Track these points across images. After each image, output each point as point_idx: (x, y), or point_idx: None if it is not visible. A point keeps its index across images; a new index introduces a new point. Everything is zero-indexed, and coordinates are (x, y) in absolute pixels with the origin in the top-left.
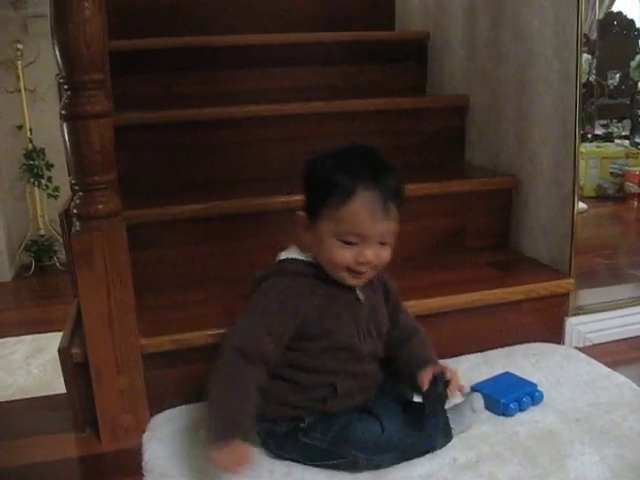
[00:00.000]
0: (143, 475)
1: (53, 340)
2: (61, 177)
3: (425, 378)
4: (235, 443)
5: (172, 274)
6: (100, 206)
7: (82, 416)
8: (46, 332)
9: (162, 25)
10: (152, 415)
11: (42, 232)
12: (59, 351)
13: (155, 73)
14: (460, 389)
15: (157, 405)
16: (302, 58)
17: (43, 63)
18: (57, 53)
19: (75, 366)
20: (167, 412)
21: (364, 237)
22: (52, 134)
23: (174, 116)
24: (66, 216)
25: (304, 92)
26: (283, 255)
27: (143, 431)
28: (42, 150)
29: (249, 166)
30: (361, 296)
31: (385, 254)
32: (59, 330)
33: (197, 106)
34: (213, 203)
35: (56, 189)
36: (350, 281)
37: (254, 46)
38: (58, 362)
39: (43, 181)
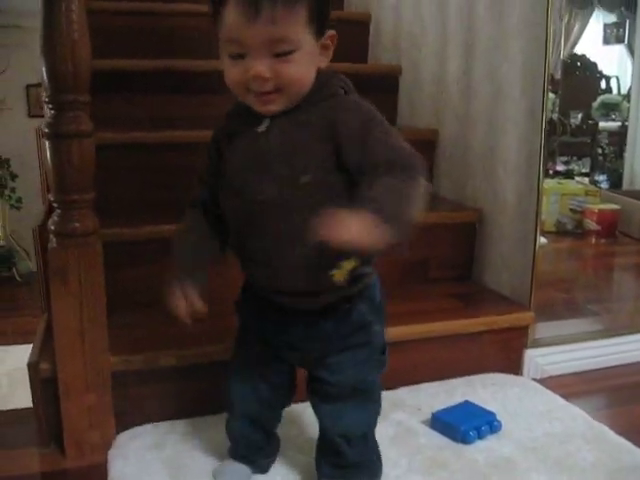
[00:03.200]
0: None
1: (9, 353)
2: (24, 188)
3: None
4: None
5: (144, 292)
6: (77, 224)
7: (47, 431)
8: (2, 345)
9: (139, 47)
10: (118, 432)
11: (2, 243)
12: (28, 365)
13: (133, 94)
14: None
15: (123, 422)
16: None
17: (12, 74)
18: (44, 72)
19: (43, 381)
20: (133, 429)
21: (244, 45)
22: (18, 145)
23: (149, 137)
24: (40, 231)
25: None
26: None
27: (109, 448)
28: (7, 160)
29: None
30: (262, 128)
31: (288, 69)
32: (15, 343)
33: (173, 128)
34: None
35: (19, 200)
36: (258, 107)
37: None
38: (14, 376)
39: (6, 191)
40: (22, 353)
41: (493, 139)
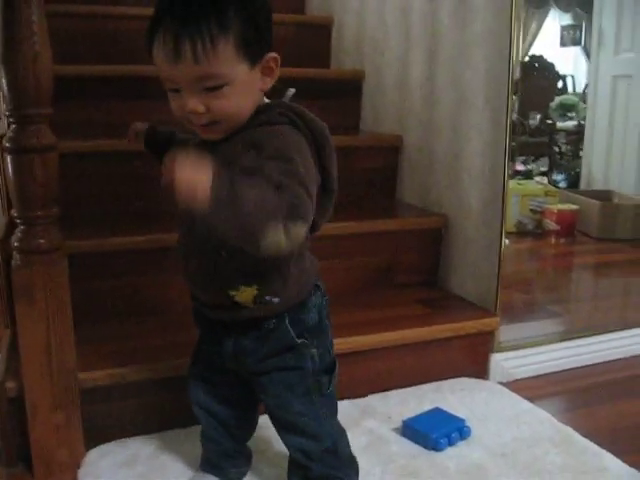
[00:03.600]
0: None
1: None
2: None
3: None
4: None
5: (109, 305)
6: (42, 240)
7: (14, 450)
8: None
9: (102, 52)
10: (88, 450)
11: None
12: None
13: (93, 100)
14: None
15: (92, 439)
16: None
17: None
18: (4, 85)
19: (9, 400)
20: (103, 446)
21: (176, 83)
22: None
23: (112, 145)
24: (2, 245)
25: None
26: None
27: (78, 466)
28: None
29: None
30: (193, 142)
31: (221, 104)
32: None
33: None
34: (153, 236)
35: None
36: (202, 135)
37: None
38: None
39: None
40: None
41: (457, 146)
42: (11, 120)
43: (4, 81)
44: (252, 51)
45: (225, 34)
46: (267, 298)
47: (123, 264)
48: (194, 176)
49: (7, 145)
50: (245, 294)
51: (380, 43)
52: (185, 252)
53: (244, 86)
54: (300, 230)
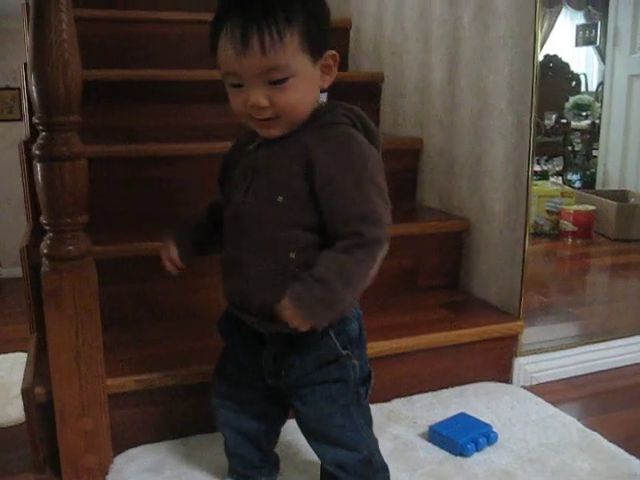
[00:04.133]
0: None
1: None
2: None
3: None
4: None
5: (131, 310)
6: (71, 247)
7: (42, 456)
8: None
9: (118, 56)
10: (115, 455)
11: None
12: (23, 391)
13: (112, 104)
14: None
15: (119, 445)
16: None
17: None
18: (35, 93)
19: (38, 405)
20: (129, 452)
21: (240, 76)
22: None
23: (131, 150)
24: (27, 251)
25: None
26: None
27: (106, 472)
28: None
29: (203, 201)
30: (253, 146)
31: (285, 97)
32: None
33: (154, 141)
34: None
35: None
36: (261, 132)
37: (213, 82)
38: None
39: None
40: None
41: (480, 149)
42: (41, 128)
43: (34, 89)
44: (314, 46)
45: (291, 27)
46: None
47: (144, 269)
48: (300, 322)
49: (37, 152)
50: None
51: (399, 46)
52: (239, 259)
53: (307, 81)
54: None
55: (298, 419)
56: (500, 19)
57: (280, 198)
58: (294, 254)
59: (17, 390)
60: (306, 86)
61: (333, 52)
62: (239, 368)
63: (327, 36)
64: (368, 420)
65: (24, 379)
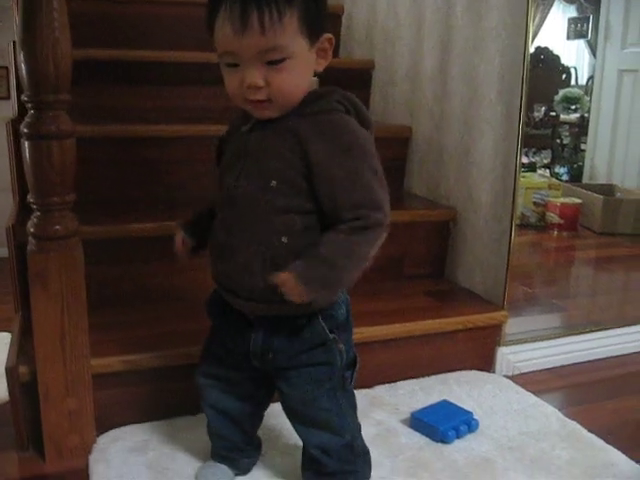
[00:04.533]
0: None
1: None
2: None
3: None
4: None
5: (119, 291)
6: (58, 227)
7: (26, 435)
8: None
9: (110, 35)
10: (98, 435)
11: None
12: (6, 370)
13: (99, 84)
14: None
15: (103, 425)
16: None
17: None
18: (24, 71)
19: (22, 385)
20: (113, 432)
21: (237, 56)
22: None
23: (121, 131)
24: (13, 231)
25: None
26: None
27: (89, 452)
28: None
29: (192, 184)
30: (246, 128)
31: (281, 77)
32: None
33: (145, 122)
34: (165, 223)
35: None
36: (255, 113)
37: (206, 64)
38: None
39: None
40: None
41: (469, 139)
42: (29, 106)
43: (23, 66)
44: (312, 28)
45: (291, 8)
46: None
47: (132, 251)
48: (298, 296)
49: (25, 131)
50: None
51: (391, 33)
52: (229, 244)
53: (303, 63)
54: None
55: (283, 402)
56: (493, 10)
57: (274, 182)
58: (286, 238)
59: (1, 369)
60: (302, 68)
61: (329, 35)
62: (226, 349)
63: (324, 19)
64: (353, 405)
65: (8, 358)
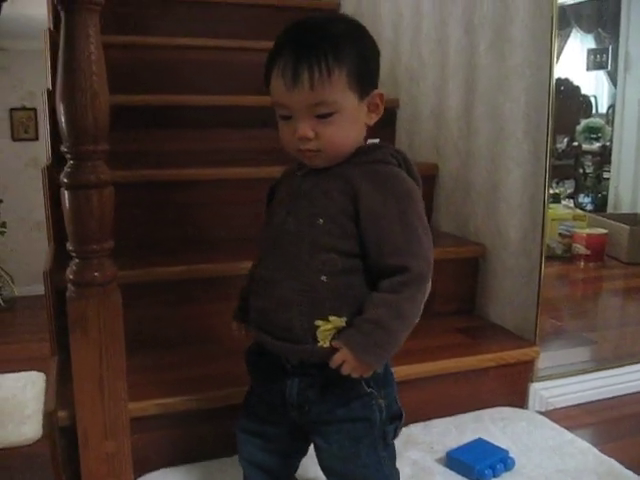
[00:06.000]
0: None
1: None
2: (9, 213)
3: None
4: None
5: (154, 334)
6: (97, 274)
7: (64, 479)
8: None
9: (137, 82)
10: (135, 478)
11: None
12: (45, 415)
13: (130, 129)
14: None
15: (140, 468)
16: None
17: None
18: (63, 122)
19: (61, 429)
20: (150, 476)
21: (290, 109)
22: (2, 170)
23: (155, 175)
24: (50, 275)
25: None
26: None
27: None
28: None
29: (223, 226)
30: (302, 172)
31: (330, 130)
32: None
33: (178, 166)
34: (195, 266)
35: (3, 225)
36: (306, 162)
37: (234, 107)
38: (2, 406)
39: None
40: (9, 382)
41: (496, 176)
42: (69, 156)
43: (62, 118)
44: (361, 84)
45: (339, 65)
46: None
47: (167, 293)
48: (363, 371)
49: (65, 181)
50: (330, 326)
51: (415, 72)
52: (269, 279)
53: (352, 116)
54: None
55: (319, 456)
56: (516, 48)
57: (320, 220)
58: (325, 277)
59: (31, 409)
60: (351, 122)
61: (380, 91)
62: (264, 402)
63: (375, 75)
64: (393, 457)
65: (46, 403)
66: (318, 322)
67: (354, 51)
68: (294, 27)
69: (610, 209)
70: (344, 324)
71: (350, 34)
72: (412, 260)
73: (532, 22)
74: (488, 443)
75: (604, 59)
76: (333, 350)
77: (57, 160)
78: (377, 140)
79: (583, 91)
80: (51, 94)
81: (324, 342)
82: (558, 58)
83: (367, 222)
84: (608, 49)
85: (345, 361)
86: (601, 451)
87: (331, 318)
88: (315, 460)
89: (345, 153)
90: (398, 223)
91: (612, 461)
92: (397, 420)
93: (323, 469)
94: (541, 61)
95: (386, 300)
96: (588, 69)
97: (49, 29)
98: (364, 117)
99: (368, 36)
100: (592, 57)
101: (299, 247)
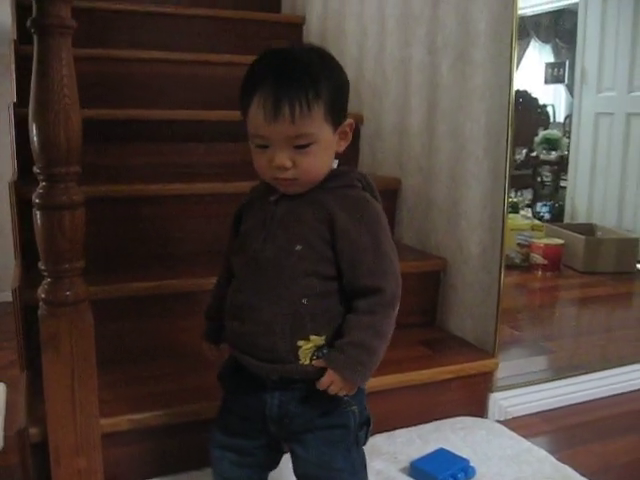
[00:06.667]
0: None
1: None
2: None
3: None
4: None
5: (124, 349)
6: (68, 293)
7: None
8: None
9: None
10: None
11: None
12: (17, 432)
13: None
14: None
15: None
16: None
17: None
18: (36, 143)
19: (32, 446)
20: None
21: (269, 139)
22: None
23: (116, 191)
24: (19, 293)
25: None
26: None
27: None
28: None
29: (189, 240)
30: (274, 197)
31: (307, 160)
32: None
33: (144, 181)
34: (163, 282)
35: None
36: (281, 189)
37: (204, 121)
38: None
39: None
40: None
41: (457, 193)
42: (41, 177)
43: (35, 139)
44: (336, 116)
45: (318, 100)
46: (325, 351)
47: (137, 308)
48: (350, 389)
49: (37, 201)
50: (310, 344)
51: (379, 89)
52: (252, 305)
53: (326, 146)
54: None
55: (296, 465)
56: (477, 69)
57: (298, 247)
58: (306, 300)
59: None
60: (326, 151)
61: (351, 121)
62: (240, 418)
63: (346, 105)
64: (364, 463)
65: (20, 419)
66: (300, 342)
67: (330, 84)
68: (270, 57)
69: (567, 219)
70: (323, 342)
71: (325, 66)
72: (384, 281)
73: (492, 46)
74: (450, 453)
75: (561, 73)
76: (314, 367)
77: (23, 176)
78: (337, 161)
79: (541, 101)
80: (16, 108)
81: (305, 360)
82: (517, 68)
83: (342, 245)
84: (565, 63)
85: (333, 382)
86: (557, 459)
87: (312, 337)
88: (286, 470)
89: (318, 180)
90: (371, 247)
91: (568, 468)
92: (366, 426)
93: (298, 477)
94: (501, 82)
95: (366, 322)
96: (546, 82)
97: (14, 40)
98: (335, 145)
99: (339, 66)
100: (550, 71)
101: (279, 273)
